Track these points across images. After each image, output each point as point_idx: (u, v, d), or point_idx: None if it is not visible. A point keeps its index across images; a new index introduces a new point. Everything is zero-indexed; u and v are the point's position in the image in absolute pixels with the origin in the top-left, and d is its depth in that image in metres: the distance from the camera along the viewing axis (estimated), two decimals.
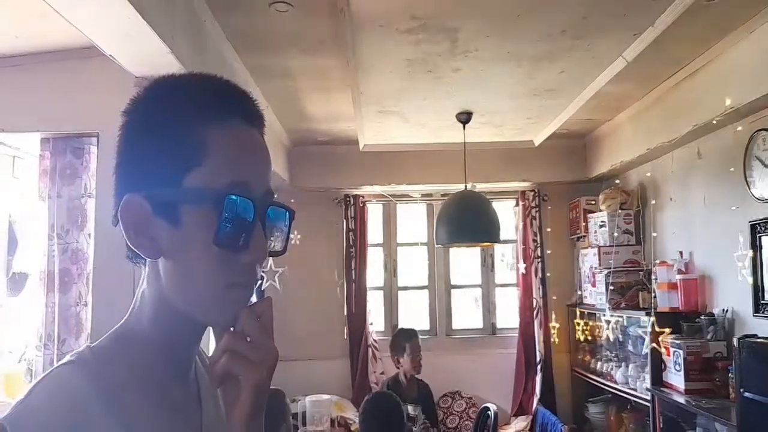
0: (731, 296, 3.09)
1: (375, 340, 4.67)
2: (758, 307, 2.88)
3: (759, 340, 2.59)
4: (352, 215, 4.74)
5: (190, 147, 0.65)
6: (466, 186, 3.50)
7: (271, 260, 3.59)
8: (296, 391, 4.34)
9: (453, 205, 3.37)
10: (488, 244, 3.50)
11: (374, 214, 4.95)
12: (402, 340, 3.65)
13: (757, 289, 2.89)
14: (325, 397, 3.08)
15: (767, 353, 2.47)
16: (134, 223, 0.65)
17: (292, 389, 4.34)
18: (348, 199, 4.76)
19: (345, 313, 4.69)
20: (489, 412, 3.25)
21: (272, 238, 0.70)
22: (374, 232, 4.93)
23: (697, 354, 3.09)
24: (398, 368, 3.68)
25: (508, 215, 5.02)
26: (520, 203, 4.86)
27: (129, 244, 0.66)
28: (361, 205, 4.76)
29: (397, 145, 4.49)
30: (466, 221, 3.26)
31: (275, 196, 0.71)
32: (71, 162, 2.53)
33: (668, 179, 3.80)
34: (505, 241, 5.00)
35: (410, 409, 3.21)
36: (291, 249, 4.61)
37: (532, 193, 4.82)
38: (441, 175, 4.47)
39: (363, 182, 4.64)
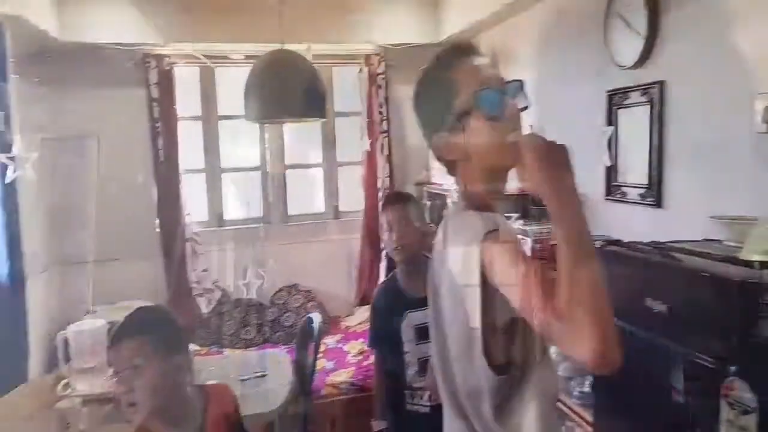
0: (584, 178, 2.73)
1: (195, 233, 3.97)
2: (610, 190, 2.55)
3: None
4: (156, 81, 3.78)
5: (453, 89, 1.11)
6: (282, 44, 2.72)
7: (17, 146, 2.65)
8: (97, 299, 3.61)
9: (262, 69, 2.59)
10: (310, 119, 2.82)
11: (187, 81, 4.01)
12: (381, 212, 2.36)
13: (611, 170, 2.54)
14: (99, 322, 2.39)
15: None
16: (444, 148, 1.13)
17: (95, 296, 3.62)
18: (148, 60, 3.76)
19: (155, 203, 3.88)
20: (313, 324, 2.76)
21: (518, 101, 1.10)
22: (188, 102, 4.03)
23: (545, 241, 2.76)
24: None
25: (352, 82, 4.33)
26: (364, 69, 4.17)
27: (446, 159, 1.16)
28: (167, 67, 3.81)
29: None
30: (281, 90, 2.50)
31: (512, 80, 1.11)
32: None
33: (523, 43, 3.31)
34: (345, 113, 4.37)
35: (416, 317, 2.12)
36: (65, 125, 3.19)
37: (378, 57, 4.14)
38: (268, 30, 3.57)
39: (166, 38, 3.65)
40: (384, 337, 2.19)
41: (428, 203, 4.15)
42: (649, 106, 2.31)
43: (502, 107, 1.07)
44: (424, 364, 2.10)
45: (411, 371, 2.13)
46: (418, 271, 2.09)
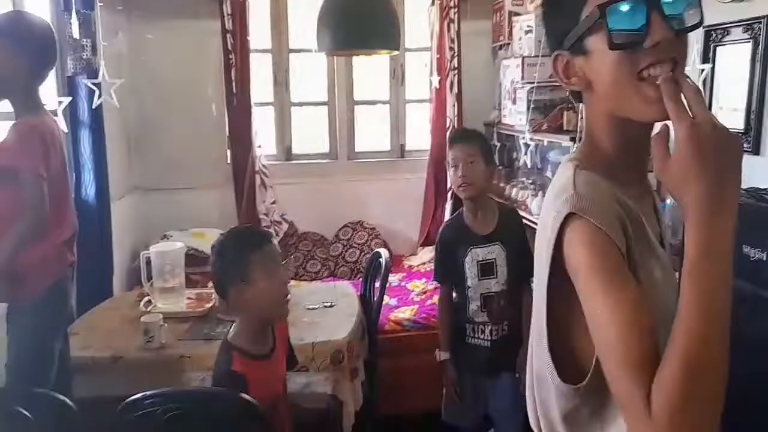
0: None
1: (264, 165, 4.03)
2: None
3: None
4: (229, 12, 3.77)
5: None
6: None
7: (104, 71, 2.73)
8: (171, 224, 3.77)
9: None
10: (384, 52, 2.76)
11: (259, 11, 3.99)
12: (447, 148, 2.34)
13: None
14: (178, 245, 2.51)
15: None
16: (563, 70, 0.84)
17: (169, 222, 3.78)
18: None
19: (227, 134, 3.96)
20: (381, 259, 2.79)
21: (676, 19, 0.74)
22: (260, 34, 4.02)
23: None
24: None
25: (422, 18, 4.21)
26: (437, 2, 4.02)
27: (567, 88, 0.86)
28: None
29: None
30: (354, 20, 2.45)
31: None
32: None
33: None
34: (414, 49, 4.26)
35: (480, 253, 2.19)
36: (145, 54, 3.27)
37: None
38: None
39: None
40: (449, 271, 2.28)
41: (498, 145, 4.05)
42: (752, 44, 2.14)
43: (642, 31, 0.72)
44: (486, 300, 2.21)
45: (473, 306, 2.22)
46: (483, 209, 2.25)
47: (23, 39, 1.91)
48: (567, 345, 0.79)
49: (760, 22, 2.08)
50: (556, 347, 0.80)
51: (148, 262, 2.47)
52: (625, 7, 0.73)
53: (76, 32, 2.62)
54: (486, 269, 2.20)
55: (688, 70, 2.13)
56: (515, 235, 2.25)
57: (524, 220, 3.24)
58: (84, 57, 2.68)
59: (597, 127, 0.85)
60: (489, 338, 2.22)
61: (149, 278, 2.49)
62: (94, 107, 2.73)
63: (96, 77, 2.72)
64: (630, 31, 0.73)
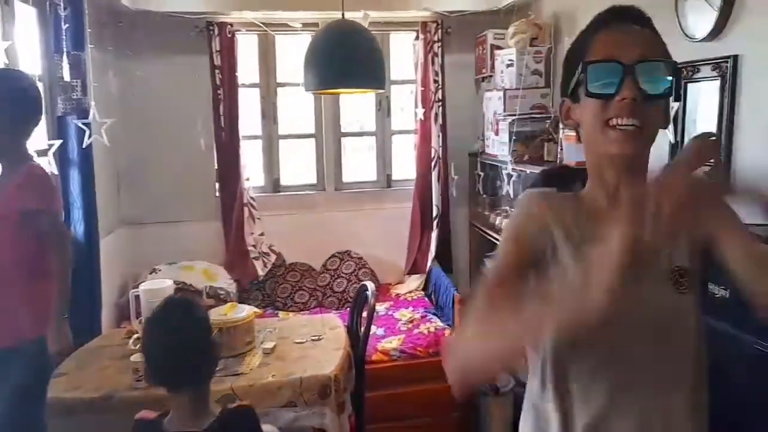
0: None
1: (252, 198, 4.08)
2: None
3: None
4: (218, 48, 3.86)
5: (584, 54, 0.98)
6: (343, 14, 2.73)
7: (94, 110, 2.78)
8: (160, 257, 3.80)
9: (323, 40, 2.60)
10: (370, 90, 2.84)
11: (247, 48, 4.08)
12: None
13: (675, 148, 2.48)
14: (167, 282, 2.54)
15: None
16: (564, 113, 1.06)
17: (155, 256, 3.80)
18: (212, 27, 3.84)
19: (215, 168, 4.02)
20: (367, 292, 2.83)
21: (646, 85, 0.91)
22: (248, 70, 4.10)
23: None
24: None
25: (407, 51, 4.32)
26: (421, 37, 4.13)
27: (565, 127, 1.49)
28: (229, 35, 3.87)
29: None
30: (340, 61, 2.52)
31: (652, 60, 0.93)
32: None
33: (587, 11, 3.19)
34: (399, 82, 4.37)
35: None
36: (134, 92, 3.34)
37: (435, 24, 4.09)
38: None
39: (229, 6, 3.72)
40: None
41: (482, 174, 4.14)
42: (719, 82, 2.23)
43: (614, 88, 0.91)
44: None
45: None
46: None
47: (5, 99, 1.96)
48: None
49: (727, 62, 2.18)
50: None
51: (137, 299, 2.49)
52: (600, 66, 0.93)
53: (66, 74, 2.68)
54: None
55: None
56: None
57: None
58: (74, 97, 2.73)
59: (586, 157, 1.04)
60: None
61: (138, 315, 2.51)
62: (84, 147, 2.77)
63: (86, 117, 2.76)
64: (604, 84, 0.92)
